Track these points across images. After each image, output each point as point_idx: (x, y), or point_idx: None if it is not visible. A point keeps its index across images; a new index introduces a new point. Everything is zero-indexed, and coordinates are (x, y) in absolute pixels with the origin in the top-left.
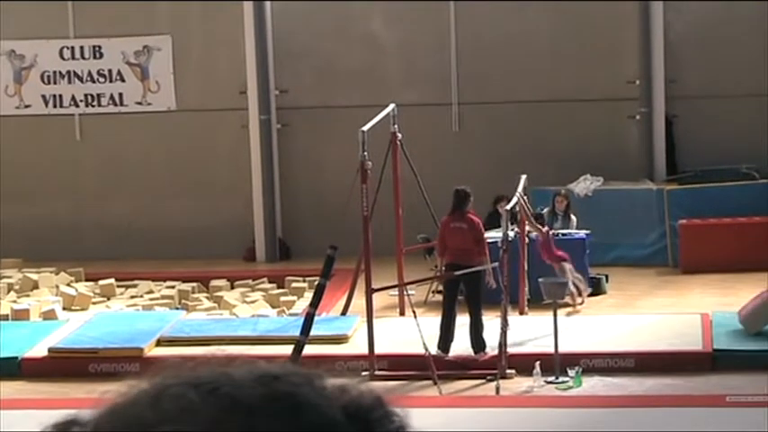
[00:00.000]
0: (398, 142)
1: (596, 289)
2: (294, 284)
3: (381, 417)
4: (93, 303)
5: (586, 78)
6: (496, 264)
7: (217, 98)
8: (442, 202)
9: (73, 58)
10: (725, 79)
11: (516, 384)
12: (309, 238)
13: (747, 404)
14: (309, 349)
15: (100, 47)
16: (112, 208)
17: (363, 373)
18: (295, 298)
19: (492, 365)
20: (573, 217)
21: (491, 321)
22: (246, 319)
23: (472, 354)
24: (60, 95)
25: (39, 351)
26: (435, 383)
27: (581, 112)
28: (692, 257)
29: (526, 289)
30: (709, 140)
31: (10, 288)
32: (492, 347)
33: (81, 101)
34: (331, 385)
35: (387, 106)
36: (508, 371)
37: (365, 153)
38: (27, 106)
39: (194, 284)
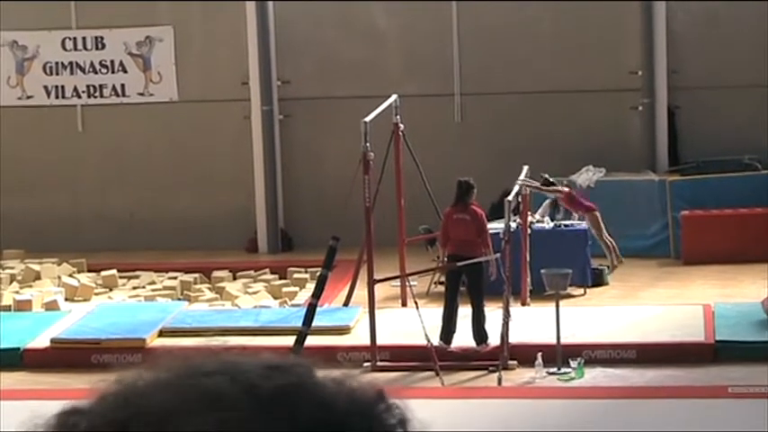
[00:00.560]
0: (401, 133)
1: (598, 280)
2: (296, 275)
3: (384, 410)
4: (96, 294)
5: (589, 69)
6: (498, 255)
7: (219, 89)
8: (444, 193)
9: (75, 48)
10: (728, 70)
11: (518, 375)
12: (311, 228)
13: (749, 395)
14: (311, 340)
15: (102, 38)
16: (115, 199)
17: (365, 365)
18: (297, 289)
19: (494, 356)
20: None
21: (493, 312)
22: (248, 310)
23: (474, 345)
24: (62, 86)
25: (41, 342)
26: (437, 374)
27: (583, 103)
28: (694, 249)
29: (528, 280)
30: (712, 131)
31: (12, 279)
32: (494, 338)
33: (83, 92)
34: (332, 377)
35: (389, 97)
36: (510, 362)
37: (367, 144)
38: (29, 97)
39: (196, 275)
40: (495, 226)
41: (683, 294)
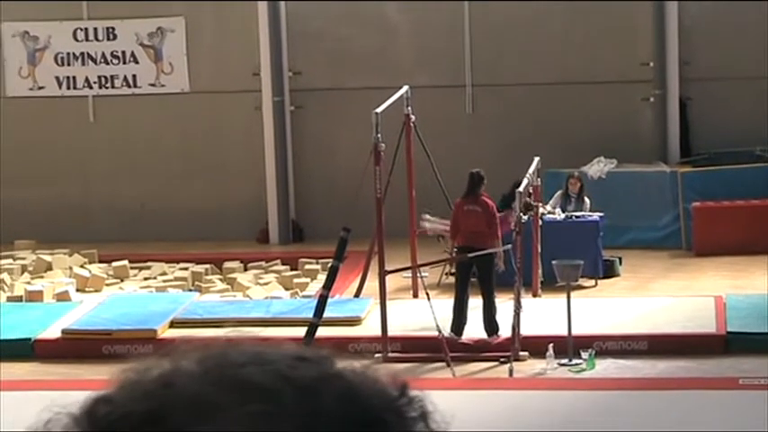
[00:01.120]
0: (412, 124)
1: (610, 271)
2: (307, 266)
3: (406, 403)
4: (107, 285)
5: (600, 60)
6: (509, 246)
7: (230, 80)
8: (455, 184)
9: (86, 39)
10: (739, 61)
11: (529, 367)
12: (322, 219)
13: (760, 387)
14: (323, 331)
15: (113, 28)
16: (126, 189)
17: (376, 356)
18: (308, 280)
19: (505, 348)
20: (586, 199)
21: (504, 304)
22: (260, 300)
23: (485, 336)
24: (74, 77)
25: (52, 332)
26: (449, 366)
27: (595, 95)
28: (705, 240)
29: (540, 271)
30: (723, 123)
31: (24, 269)
32: (505, 330)
33: (94, 82)
34: (354, 369)
35: (400, 88)
36: (521, 353)
37: (378, 135)
38: (41, 88)
39: (207, 266)
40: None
41: (695, 286)
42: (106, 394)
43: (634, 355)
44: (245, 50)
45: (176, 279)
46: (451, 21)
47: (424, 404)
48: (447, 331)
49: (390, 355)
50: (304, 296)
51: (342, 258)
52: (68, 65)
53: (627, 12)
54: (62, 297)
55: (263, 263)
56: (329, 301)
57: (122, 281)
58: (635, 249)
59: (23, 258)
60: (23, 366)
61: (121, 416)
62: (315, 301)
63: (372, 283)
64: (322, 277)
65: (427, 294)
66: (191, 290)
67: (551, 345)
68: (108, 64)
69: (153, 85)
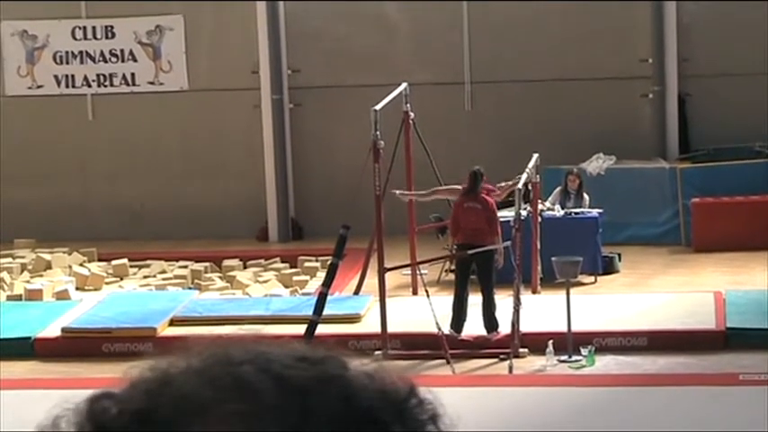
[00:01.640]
0: (411, 121)
1: (609, 268)
2: (307, 264)
3: (415, 405)
4: (107, 283)
5: (599, 57)
6: (509, 243)
7: (229, 78)
8: (454, 181)
9: (85, 38)
10: (739, 58)
11: (529, 363)
12: (322, 217)
13: (760, 383)
14: (322, 329)
15: (112, 27)
16: (125, 188)
17: (376, 353)
18: (308, 277)
19: (505, 344)
20: (585, 196)
21: (504, 300)
22: (259, 298)
23: (485, 333)
24: (72, 76)
25: (52, 331)
26: (448, 362)
27: (594, 91)
28: (704, 236)
29: (539, 268)
30: (723, 119)
31: (23, 268)
32: (505, 326)
33: (93, 81)
34: (364, 370)
35: (399, 86)
36: (521, 350)
37: (377, 132)
38: (39, 87)
39: (207, 264)
40: (506, 214)
41: (694, 282)
42: (110, 390)
43: (634, 352)
44: (243, 48)
45: (176, 277)
46: (450, 17)
47: (434, 406)
48: (447, 328)
49: (390, 352)
50: (303, 294)
51: (341, 256)
52: (67, 63)
53: (626, 8)
54: (62, 296)
55: (262, 260)
56: (329, 298)
57: (122, 279)
58: (634, 245)
59: (23, 257)
60: (23, 365)
61: (116, 413)
62: (314, 299)
63: (372, 280)
64: (321, 275)
65: (427, 291)
66: (190, 288)
67: (551, 341)
68: (107, 62)
69: (152, 83)
